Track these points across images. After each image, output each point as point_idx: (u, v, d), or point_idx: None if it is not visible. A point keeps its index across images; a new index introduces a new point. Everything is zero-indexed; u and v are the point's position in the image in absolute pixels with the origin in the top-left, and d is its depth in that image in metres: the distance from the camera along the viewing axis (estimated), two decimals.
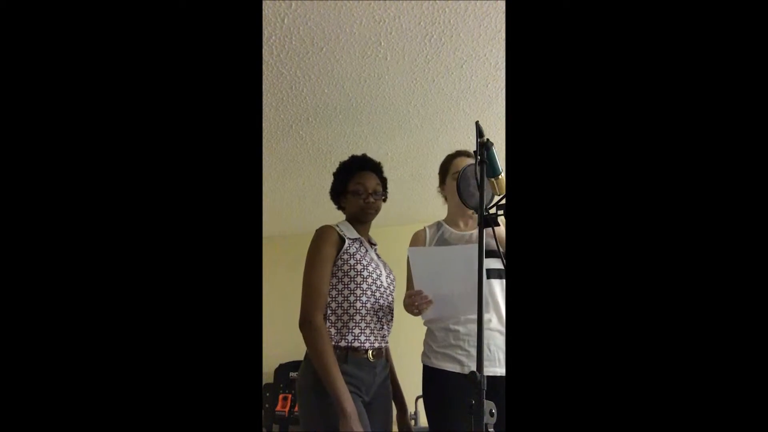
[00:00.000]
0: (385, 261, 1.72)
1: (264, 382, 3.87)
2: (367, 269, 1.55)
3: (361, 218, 1.65)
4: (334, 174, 1.74)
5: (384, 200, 1.73)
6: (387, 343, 1.60)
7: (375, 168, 1.71)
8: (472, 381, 0.83)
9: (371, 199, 1.64)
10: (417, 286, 1.46)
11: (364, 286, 1.53)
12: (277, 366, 3.88)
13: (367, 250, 1.63)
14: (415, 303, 1.45)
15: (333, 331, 1.49)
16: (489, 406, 0.81)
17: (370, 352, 1.51)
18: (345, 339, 1.48)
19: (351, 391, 1.41)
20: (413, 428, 3.53)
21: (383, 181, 1.72)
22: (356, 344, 1.48)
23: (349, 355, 1.47)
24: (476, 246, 1.28)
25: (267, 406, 3.78)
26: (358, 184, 1.64)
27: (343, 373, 1.43)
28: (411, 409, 3.72)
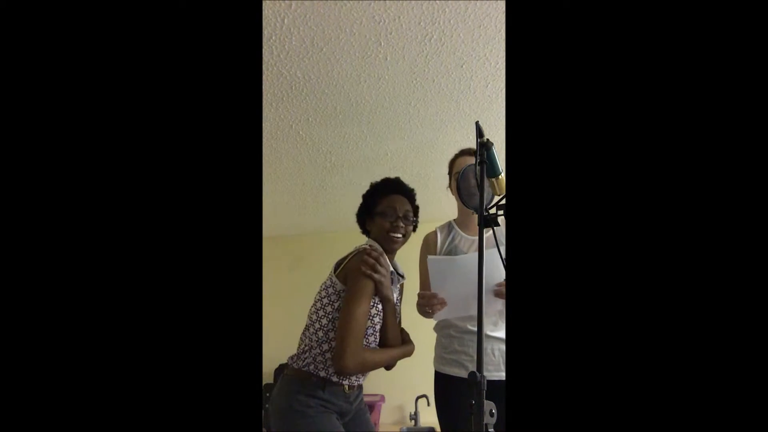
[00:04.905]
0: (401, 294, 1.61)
1: (264, 382, 3.87)
2: (376, 307, 1.44)
3: (385, 245, 1.50)
4: (364, 195, 1.61)
5: (414, 229, 1.59)
6: (365, 378, 1.53)
7: (408, 193, 1.58)
8: (471, 381, 0.83)
9: (400, 223, 1.50)
10: (434, 291, 1.51)
11: (367, 324, 1.42)
12: (277, 366, 3.88)
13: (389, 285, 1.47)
14: (427, 305, 1.50)
15: (317, 356, 1.41)
16: (489, 406, 0.81)
17: (346, 386, 1.45)
18: (326, 371, 1.41)
19: (327, 413, 1.39)
20: (413, 428, 3.54)
21: (415, 209, 1.58)
22: (334, 378, 1.42)
23: (326, 385, 1.41)
24: (493, 251, 1.28)
25: (267, 406, 3.78)
26: (387, 206, 1.51)
27: (320, 399, 1.39)
28: (411, 409, 3.73)
